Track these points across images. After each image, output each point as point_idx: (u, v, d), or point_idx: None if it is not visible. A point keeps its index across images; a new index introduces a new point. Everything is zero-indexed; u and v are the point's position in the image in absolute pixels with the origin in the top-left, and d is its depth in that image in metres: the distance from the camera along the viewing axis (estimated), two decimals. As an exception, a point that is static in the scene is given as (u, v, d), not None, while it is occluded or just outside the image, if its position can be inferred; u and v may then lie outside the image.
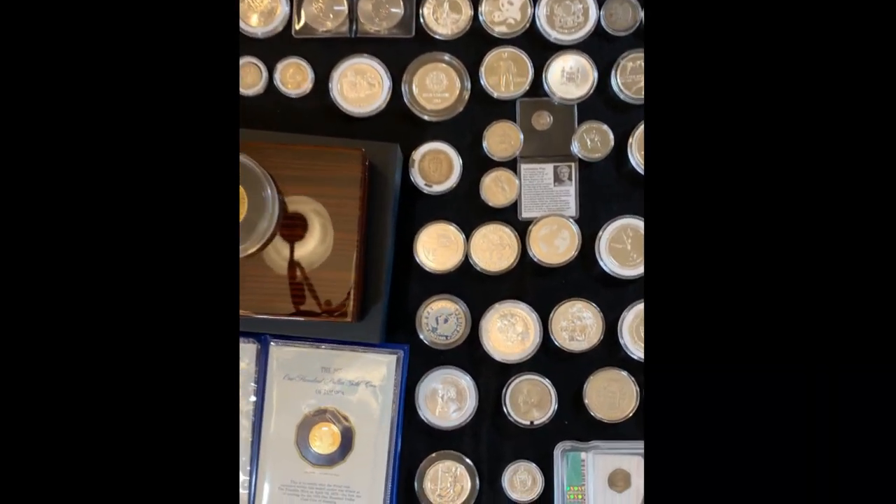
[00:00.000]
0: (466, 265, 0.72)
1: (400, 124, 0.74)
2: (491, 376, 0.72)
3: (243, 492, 0.71)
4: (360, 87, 0.75)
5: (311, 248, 0.66)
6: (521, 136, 0.73)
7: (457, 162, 0.73)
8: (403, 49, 0.74)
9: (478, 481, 0.71)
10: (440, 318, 0.72)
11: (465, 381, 0.71)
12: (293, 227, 0.65)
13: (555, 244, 0.72)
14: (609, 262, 0.72)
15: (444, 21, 0.73)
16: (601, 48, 0.74)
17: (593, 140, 0.72)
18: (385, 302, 0.71)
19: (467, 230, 0.72)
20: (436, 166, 0.73)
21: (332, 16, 0.76)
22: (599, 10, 0.73)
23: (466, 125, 0.74)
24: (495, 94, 0.74)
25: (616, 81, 0.74)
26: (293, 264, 0.64)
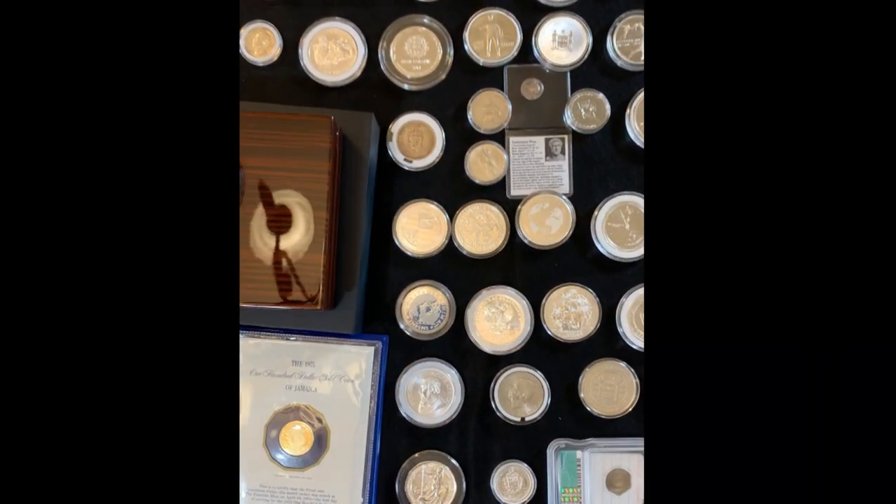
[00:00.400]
0: (450, 248, 0.70)
1: (377, 94, 0.71)
2: (478, 369, 0.70)
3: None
4: (332, 53, 0.71)
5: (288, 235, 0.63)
6: (510, 107, 0.70)
7: (439, 135, 0.70)
8: (380, 12, 0.71)
9: (464, 484, 0.68)
10: (422, 307, 0.69)
11: (450, 375, 0.69)
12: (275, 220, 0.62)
13: (547, 224, 0.69)
14: (606, 244, 0.69)
15: (423, -20, 0.71)
16: (596, 10, 0.71)
17: (588, 110, 0.70)
18: (361, 289, 0.68)
19: (451, 210, 0.70)
20: (416, 140, 0.70)
21: (301, -25, 0.73)
22: (594, -33, 0.71)
23: (449, 95, 0.71)
24: (481, 61, 0.71)
25: (612, 46, 0.71)
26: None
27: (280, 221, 0.61)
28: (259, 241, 0.61)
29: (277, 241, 0.61)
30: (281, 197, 0.61)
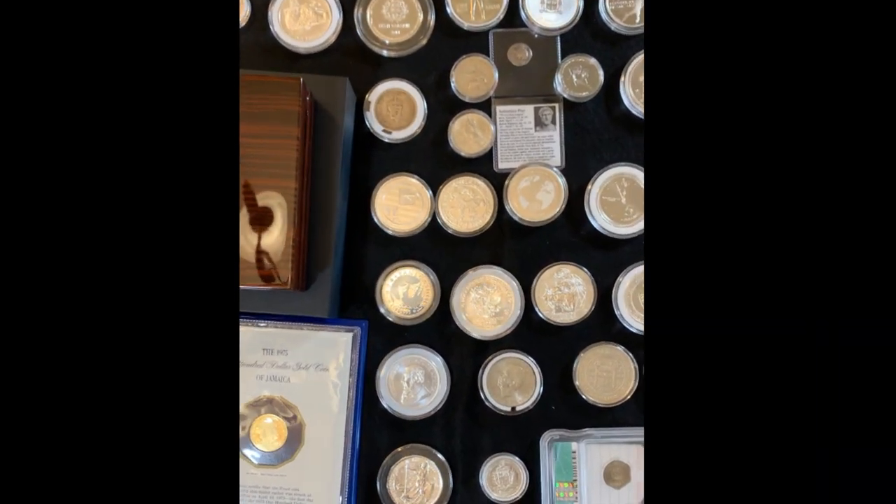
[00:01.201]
0: (434, 226, 0.68)
1: (352, 61, 0.69)
2: (465, 356, 0.68)
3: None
4: (304, 17, 0.69)
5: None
6: (496, 74, 0.68)
7: (420, 104, 0.68)
8: (355, -28, 0.69)
9: (451, 479, 0.66)
10: (404, 289, 0.67)
11: (435, 363, 0.67)
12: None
13: (537, 199, 0.67)
14: (601, 219, 0.67)
15: (402, -62, 0.69)
16: (587, -31, 0.69)
17: (580, 77, 0.68)
18: (336, 269, 0.65)
19: (434, 184, 0.68)
20: (395, 109, 0.68)
21: (269, -67, 0.70)
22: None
23: (431, 61, 0.69)
24: (464, 25, 0.69)
25: (605, 8, 0.69)
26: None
27: (245, 192, 0.58)
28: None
29: (243, 214, 0.58)
30: (247, 165, 0.58)
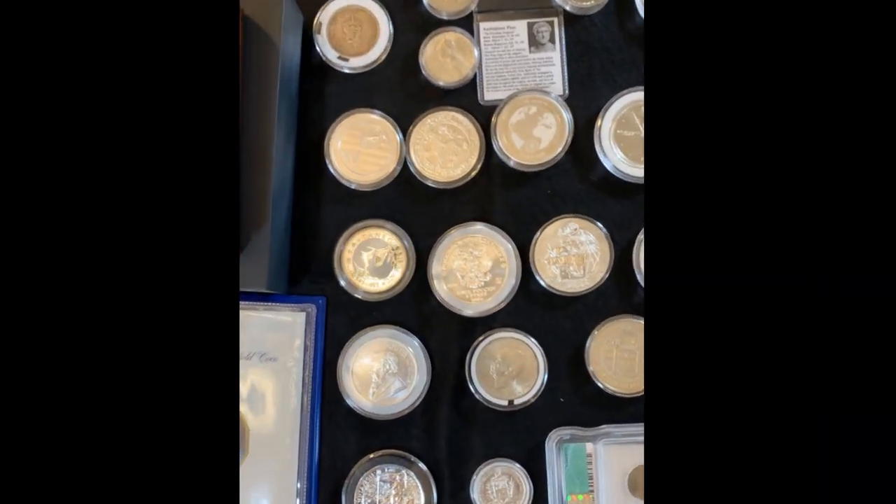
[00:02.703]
0: (405, 175, 0.64)
1: None
2: (448, 337, 0.64)
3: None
4: None
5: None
6: None
7: (384, 23, 0.64)
8: None
9: (435, 493, 0.62)
10: (369, 255, 0.63)
11: (412, 347, 0.63)
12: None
13: (534, 136, 0.63)
14: (615, 159, 0.62)
15: None
16: None
17: None
18: (279, 231, 0.60)
19: (404, 123, 0.64)
20: (353, 31, 0.64)
21: None
22: None
23: None
24: None
25: None
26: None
27: None
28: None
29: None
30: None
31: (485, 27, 0.63)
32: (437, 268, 0.62)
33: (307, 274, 0.63)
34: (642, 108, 0.62)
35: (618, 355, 0.62)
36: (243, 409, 0.61)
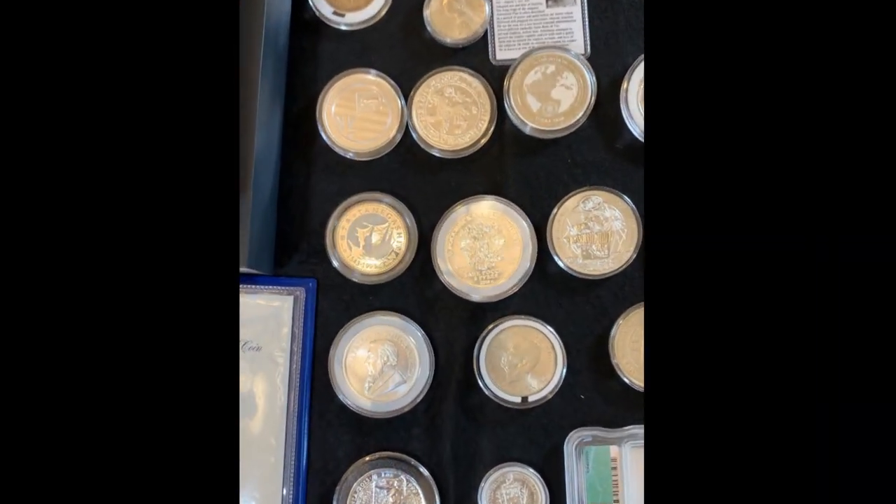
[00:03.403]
0: (407, 143, 0.62)
1: None
2: (454, 325, 0.62)
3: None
4: None
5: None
6: None
7: None
8: None
9: (438, 501, 0.60)
10: (366, 233, 0.61)
11: (413, 336, 0.61)
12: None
13: (553, 98, 0.60)
14: (644, 124, 0.60)
15: None
16: None
17: None
18: (263, 203, 0.58)
19: (406, 84, 0.62)
20: None
21: None
22: None
23: None
24: None
25: None
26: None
27: None
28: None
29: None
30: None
31: (497, -22, 0.60)
32: (441, 247, 0.60)
33: (295, 253, 0.61)
34: (674, 69, 0.61)
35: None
36: (222, 404, 0.59)
